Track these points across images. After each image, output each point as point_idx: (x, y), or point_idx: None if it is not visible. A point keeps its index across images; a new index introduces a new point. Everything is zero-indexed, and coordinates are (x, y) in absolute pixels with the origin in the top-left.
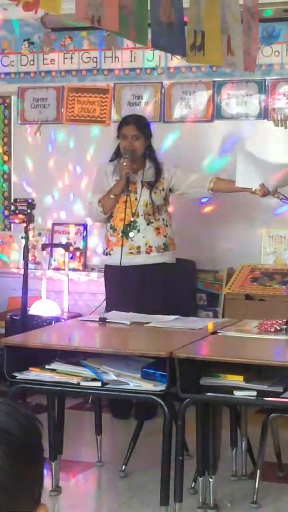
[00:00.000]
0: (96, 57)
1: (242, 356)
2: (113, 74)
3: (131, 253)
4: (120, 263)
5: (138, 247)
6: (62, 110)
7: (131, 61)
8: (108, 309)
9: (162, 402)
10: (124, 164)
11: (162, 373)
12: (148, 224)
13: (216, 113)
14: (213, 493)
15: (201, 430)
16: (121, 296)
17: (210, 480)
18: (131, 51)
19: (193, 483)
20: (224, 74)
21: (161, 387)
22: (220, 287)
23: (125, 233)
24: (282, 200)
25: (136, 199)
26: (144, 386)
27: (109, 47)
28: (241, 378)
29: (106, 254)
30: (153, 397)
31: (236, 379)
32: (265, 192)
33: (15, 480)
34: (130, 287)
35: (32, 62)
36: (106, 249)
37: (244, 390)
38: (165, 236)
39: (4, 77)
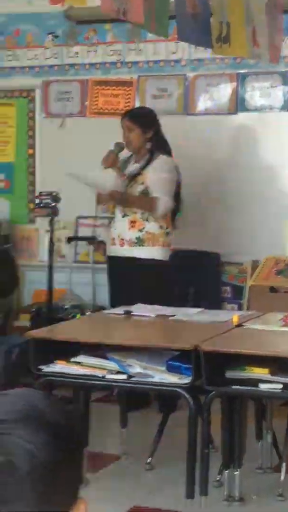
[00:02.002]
0: (120, 50)
1: (268, 348)
2: (137, 66)
3: (112, 244)
4: (105, 253)
5: (113, 239)
6: (86, 103)
7: (155, 53)
8: (113, 298)
9: (187, 395)
10: (107, 156)
11: (187, 366)
12: (123, 217)
13: (240, 105)
14: (238, 486)
15: (227, 423)
16: (111, 286)
17: (236, 473)
18: (154, 43)
19: (219, 476)
20: (247, 66)
21: (186, 380)
22: (245, 280)
23: (110, 224)
24: None
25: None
26: (169, 379)
27: (132, 40)
28: (266, 371)
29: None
30: (178, 390)
31: (261, 372)
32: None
33: (56, 471)
34: (113, 277)
35: (56, 56)
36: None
37: (270, 383)
38: (140, 230)
39: (28, 70)
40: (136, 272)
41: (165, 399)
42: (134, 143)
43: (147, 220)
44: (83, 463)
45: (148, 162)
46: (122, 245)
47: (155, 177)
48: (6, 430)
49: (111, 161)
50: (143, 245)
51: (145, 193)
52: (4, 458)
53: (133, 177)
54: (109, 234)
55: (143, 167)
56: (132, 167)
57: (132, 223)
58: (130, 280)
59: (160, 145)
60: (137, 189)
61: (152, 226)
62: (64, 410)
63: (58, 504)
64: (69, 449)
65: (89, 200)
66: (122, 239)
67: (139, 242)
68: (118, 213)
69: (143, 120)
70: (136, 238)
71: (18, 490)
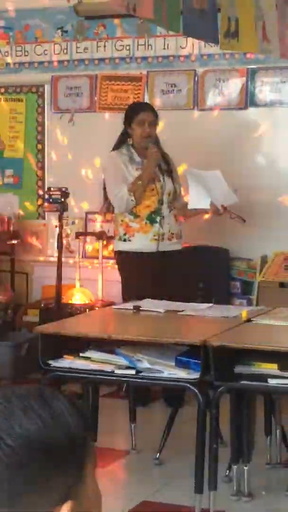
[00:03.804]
0: (129, 45)
1: (277, 344)
2: (146, 62)
3: (155, 239)
4: (158, 249)
5: (163, 234)
6: (95, 98)
7: (164, 48)
8: (128, 295)
9: (196, 390)
10: (155, 150)
11: (196, 361)
12: (170, 211)
13: (249, 100)
14: (247, 481)
15: (235, 418)
16: (141, 282)
17: (245, 468)
18: (164, 38)
19: (227, 471)
20: (257, 61)
21: (195, 375)
22: (254, 275)
23: (150, 220)
24: (234, 218)
25: (161, 187)
26: (178, 374)
27: (142, 35)
28: (275, 366)
29: (124, 240)
30: (187, 385)
31: (270, 367)
32: (215, 210)
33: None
34: (151, 273)
35: (65, 51)
36: (125, 235)
37: (279, 378)
38: (179, 223)
39: (37, 66)
40: (178, 263)
41: (172, 394)
42: (153, 138)
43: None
44: (81, 466)
45: (166, 158)
46: (170, 239)
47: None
48: None
49: (159, 153)
50: (181, 237)
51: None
52: None
53: (171, 173)
54: (155, 230)
55: (168, 162)
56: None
57: (175, 217)
58: (165, 273)
59: (158, 140)
60: (179, 184)
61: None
62: (49, 421)
63: (31, 505)
64: (53, 452)
65: (98, 195)
66: (172, 233)
67: (180, 234)
68: (166, 208)
69: (157, 114)
70: (180, 231)
71: None
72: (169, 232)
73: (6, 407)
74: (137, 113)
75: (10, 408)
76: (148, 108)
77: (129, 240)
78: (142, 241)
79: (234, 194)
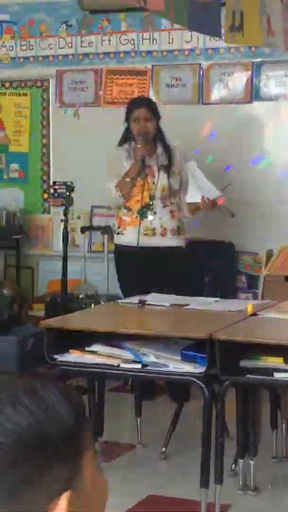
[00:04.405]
0: (134, 39)
1: (282, 337)
2: (151, 56)
3: (146, 234)
4: (138, 244)
5: (154, 229)
6: (100, 92)
7: (169, 42)
8: (122, 287)
9: (202, 384)
10: (139, 146)
11: (201, 355)
12: (164, 207)
13: (254, 94)
14: (253, 475)
15: (241, 412)
16: (135, 277)
17: (251, 462)
18: (169, 32)
19: (233, 465)
20: (263, 54)
21: (200, 369)
22: (260, 269)
23: (141, 214)
24: (224, 212)
25: (154, 183)
26: (184, 368)
27: (146, 29)
28: (281, 360)
29: (118, 234)
30: (192, 379)
31: (276, 361)
32: (205, 203)
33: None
34: (144, 268)
35: (70, 45)
36: (118, 228)
37: (284, 372)
38: (178, 219)
39: (42, 60)
40: (171, 259)
41: (178, 389)
42: (151, 134)
43: (180, 209)
44: (77, 457)
45: (170, 153)
46: (164, 234)
47: (191, 174)
48: None
49: (145, 149)
50: (180, 234)
51: (181, 183)
52: None
53: (169, 168)
54: (140, 224)
55: (171, 157)
56: (161, 158)
57: (172, 212)
58: (157, 269)
59: (161, 135)
60: (177, 179)
61: (183, 215)
62: (42, 415)
63: (29, 501)
64: (46, 446)
65: (103, 190)
66: (165, 229)
67: (178, 230)
68: (159, 203)
69: (157, 111)
70: (177, 227)
71: None
72: (161, 227)
73: None
74: (132, 110)
75: None
76: (143, 104)
77: (122, 234)
78: (132, 235)
79: (215, 189)
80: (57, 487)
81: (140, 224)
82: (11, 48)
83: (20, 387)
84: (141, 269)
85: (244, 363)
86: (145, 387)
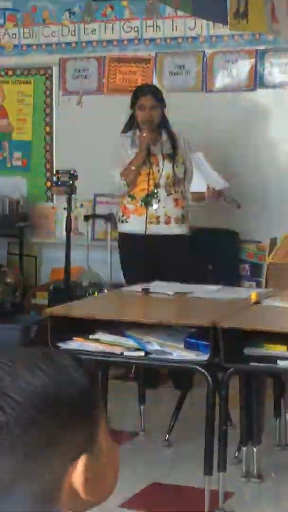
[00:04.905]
0: (137, 27)
1: (286, 325)
2: (154, 43)
3: (151, 222)
4: (145, 232)
5: (158, 217)
6: (104, 80)
7: (173, 30)
8: (124, 276)
9: (205, 372)
10: (144, 135)
11: (205, 343)
12: (168, 195)
13: (258, 82)
14: (256, 462)
15: (245, 400)
16: (139, 264)
17: (254, 449)
18: (172, 20)
19: (237, 452)
20: (267, 42)
21: (204, 357)
22: (263, 257)
23: (146, 203)
24: (230, 203)
25: (158, 171)
26: (187, 356)
27: (150, 16)
28: (284, 347)
29: (122, 221)
30: (196, 367)
31: (279, 349)
32: (210, 193)
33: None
34: (148, 256)
35: (73, 33)
36: (122, 216)
37: None
38: (182, 208)
39: (45, 48)
40: (175, 247)
41: (181, 377)
42: (156, 122)
43: (185, 198)
44: (92, 420)
45: (174, 141)
46: (168, 222)
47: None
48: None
49: (150, 137)
50: (184, 222)
51: (185, 172)
52: None
53: (174, 157)
54: (146, 213)
55: (175, 145)
56: (166, 146)
57: (176, 201)
58: (161, 256)
59: (166, 123)
60: (181, 168)
61: (187, 204)
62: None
63: (46, 461)
64: (62, 406)
65: (106, 178)
66: (169, 217)
67: (183, 219)
68: (163, 192)
69: (163, 99)
70: (181, 215)
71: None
72: (165, 215)
73: (11, 367)
74: (138, 98)
75: (15, 368)
76: (149, 92)
77: (126, 222)
78: (136, 223)
79: (222, 179)
80: (74, 449)
81: (146, 212)
82: (14, 36)
83: (36, 353)
84: (144, 257)
85: (247, 351)
86: (149, 375)
